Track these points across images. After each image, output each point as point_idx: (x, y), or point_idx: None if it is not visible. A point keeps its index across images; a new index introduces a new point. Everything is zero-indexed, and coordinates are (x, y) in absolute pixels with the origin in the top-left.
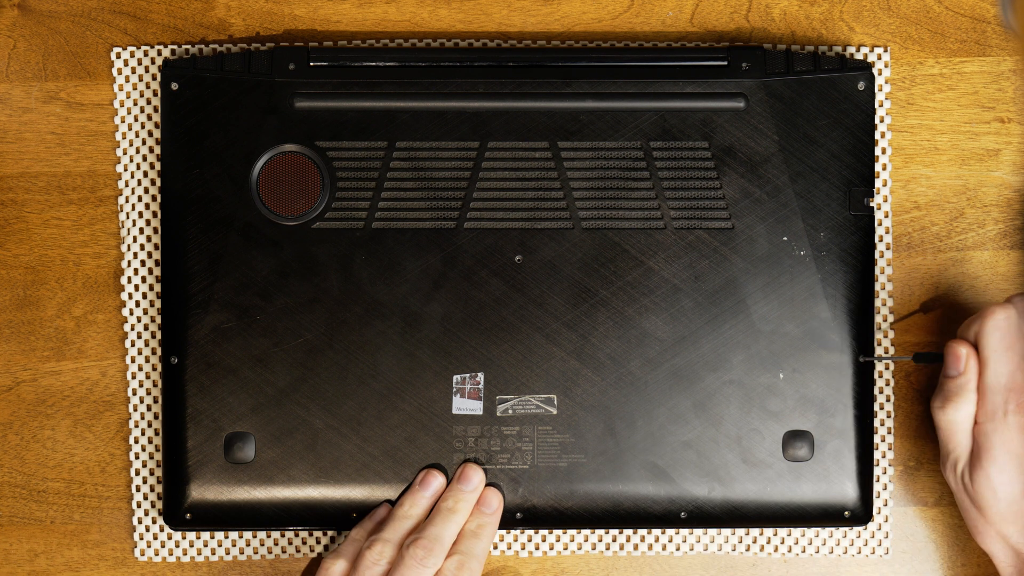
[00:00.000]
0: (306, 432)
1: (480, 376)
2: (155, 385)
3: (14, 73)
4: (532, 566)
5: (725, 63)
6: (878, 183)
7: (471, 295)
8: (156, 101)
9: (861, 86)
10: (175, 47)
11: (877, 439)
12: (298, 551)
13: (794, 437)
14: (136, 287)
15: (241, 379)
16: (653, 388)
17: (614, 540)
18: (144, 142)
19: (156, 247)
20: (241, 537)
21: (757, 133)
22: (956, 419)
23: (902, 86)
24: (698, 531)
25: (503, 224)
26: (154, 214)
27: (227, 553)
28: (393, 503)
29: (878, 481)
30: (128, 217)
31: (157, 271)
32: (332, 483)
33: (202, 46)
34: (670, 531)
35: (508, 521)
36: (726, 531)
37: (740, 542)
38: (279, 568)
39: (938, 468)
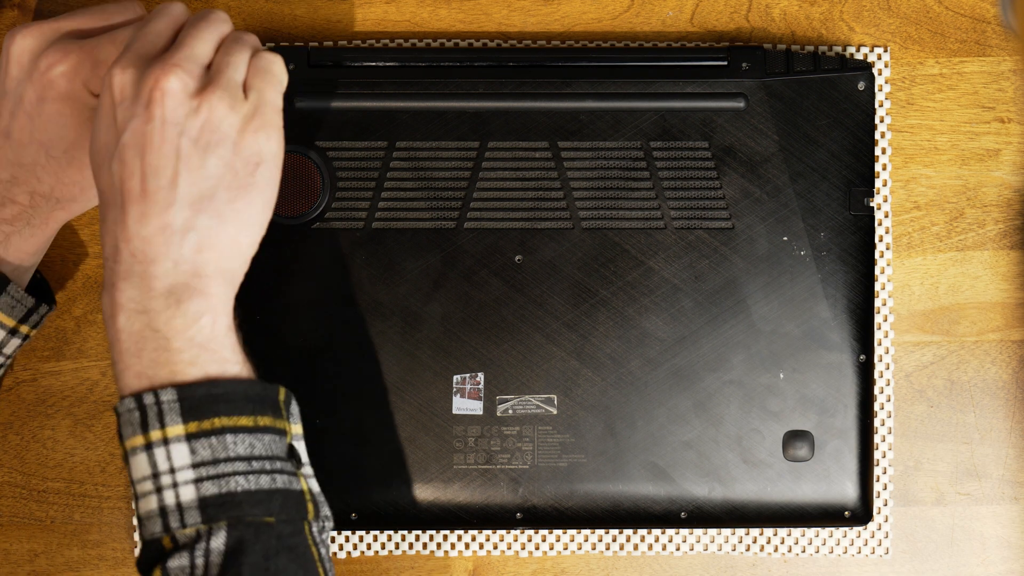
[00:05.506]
0: (306, 432)
1: (480, 376)
2: None
3: None
4: (532, 566)
5: (725, 63)
6: (878, 183)
7: (471, 295)
8: None
9: (861, 86)
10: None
11: (877, 439)
12: None
13: (794, 437)
14: None
15: None
16: (653, 388)
17: (614, 540)
18: None
19: None
20: None
21: (757, 133)
22: None
23: (902, 86)
24: (698, 531)
25: (503, 224)
26: None
27: None
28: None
29: (878, 481)
30: None
31: None
32: (332, 483)
33: None
34: (670, 531)
35: (508, 521)
36: (726, 531)
37: (740, 542)
38: None
39: (938, 468)
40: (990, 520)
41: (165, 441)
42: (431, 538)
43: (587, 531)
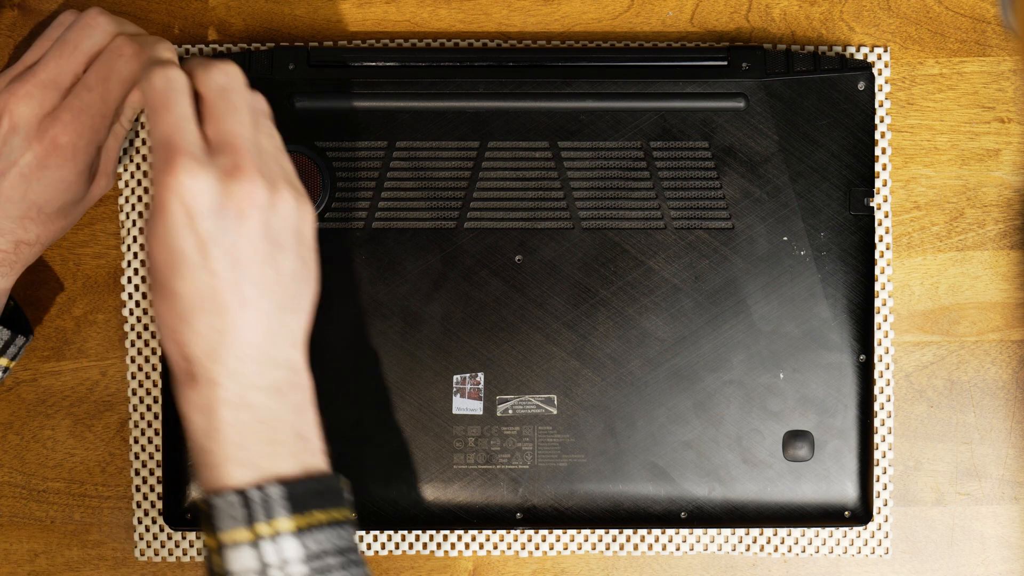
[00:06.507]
0: None
1: (480, 376)
2: (155, 385)
3: None
4: (532, 566)
5: (725, 63)
6: (878, 183)
7: (471, 295)
8: None
9: (861, 86)
10: (175, 47)
11: (877, 439)
12: None
13: (794, 437)
14: (136, 287)
15: None
16: (653, 388)
17: (614, 540)
18: (144, 142)
19: None
20: None
21: (757, 133)
22: None
23: (902, 86)
24: (698, 531)
25: (503, 224)
26: None
27: None
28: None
29: (878, 481)
30: (128, 217)
31: None
32: None
33: (202, 46)
34: (670, 531)
35: (508, 521)
36: (726, 531)
37: (740, 542)
38: None
39: (938, 468)
40: (990, 520)
41: (274, 536)
42: (431, 538)
43: (587, 531)
